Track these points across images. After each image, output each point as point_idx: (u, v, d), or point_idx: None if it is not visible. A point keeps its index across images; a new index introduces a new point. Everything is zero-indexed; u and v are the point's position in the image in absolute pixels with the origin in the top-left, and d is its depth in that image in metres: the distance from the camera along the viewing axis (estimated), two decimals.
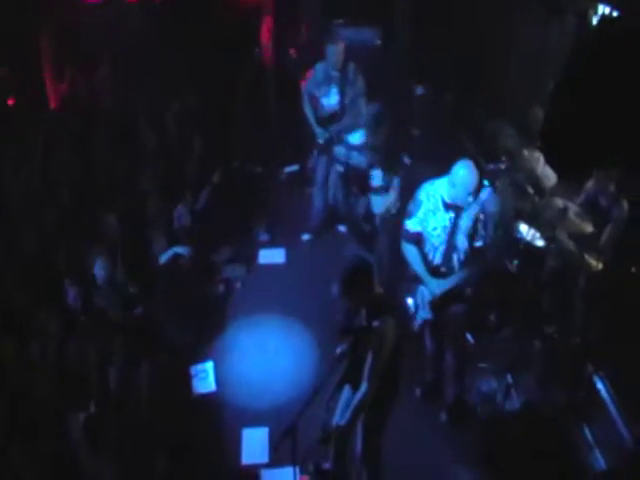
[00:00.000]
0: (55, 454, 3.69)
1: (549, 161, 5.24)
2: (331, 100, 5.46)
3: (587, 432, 3.92)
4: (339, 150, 5.56)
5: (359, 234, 5.39)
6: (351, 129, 5.46)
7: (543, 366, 4.28)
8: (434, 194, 3.95)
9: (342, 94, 5.38)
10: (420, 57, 6.91)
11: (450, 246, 3.96)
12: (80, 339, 4.11)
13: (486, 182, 5.30)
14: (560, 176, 5.21)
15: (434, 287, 4.01)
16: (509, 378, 4.25)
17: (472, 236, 3.95)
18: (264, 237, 5.86)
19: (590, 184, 4.69)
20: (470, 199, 3.86)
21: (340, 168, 5.65)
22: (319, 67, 5.46)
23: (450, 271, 4.01)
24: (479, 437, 4.02)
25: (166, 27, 6.58)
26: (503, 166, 5.53)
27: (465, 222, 3.91)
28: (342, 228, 5.98)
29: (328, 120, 5.49)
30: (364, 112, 5.44)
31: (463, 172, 3.83)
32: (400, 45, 7.33)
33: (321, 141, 5.55)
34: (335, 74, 5.36)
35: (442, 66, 6.64)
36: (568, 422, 3.95)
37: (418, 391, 4.38)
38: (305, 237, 5.91)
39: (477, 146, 6.00)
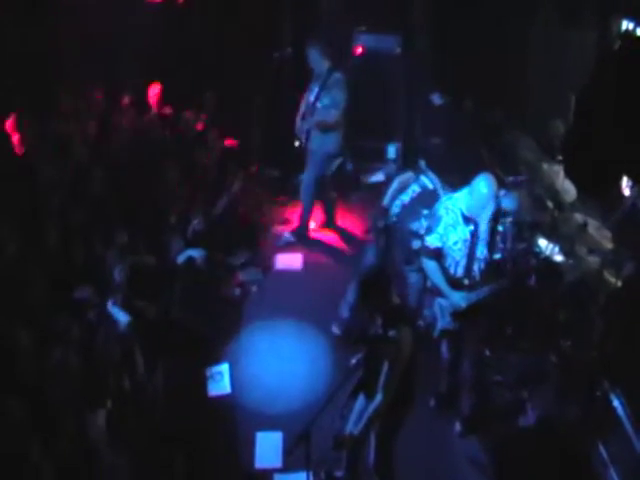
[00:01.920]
0: (73, 452, 3.71)
1: (569, 175, 5.31)
2: (310, 97, 5.65)
3: (602, 449, 3.90)
4: None
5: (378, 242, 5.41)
6: (306, 132, 5.64)
7: (559, 381, 4.26)
8: (453, 208, 3.96)
9: (316, 97, 5.56)
10: (440, 66, 6.91)
11: (471, 258, 3.97)
12: (99, 338, 4.14)
13: (504, 193, 5.37)
14: (580, 190, 5.25)
15: (458, 300, 4.00)
16: (525, 392, 4.24)
17: (491, 245, 3.95)
18: (285, 240, 5.87)
19: (629, 198, 4.62)
20: (489, 212, 3.87)
21: None
22: (314, 59, 5.57)
23: (472, 281, 4.01)
24: (493, 450, 4.01)
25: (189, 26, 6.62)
26: (522, 179, 5.52)
27: (483, 229, 3.91)
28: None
29: (303, 116, 5.68)
30: (330, 121, 5.56)
31: (483, 185, 3.84)
32: (420, 53, 7.34)
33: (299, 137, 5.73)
34: (321, 76, 5.54)
35: (462, 75, 6.65)
36: (583, 439, 3.92)
37: (433, 401, 4.38)
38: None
39: (495, 157, 6.00)
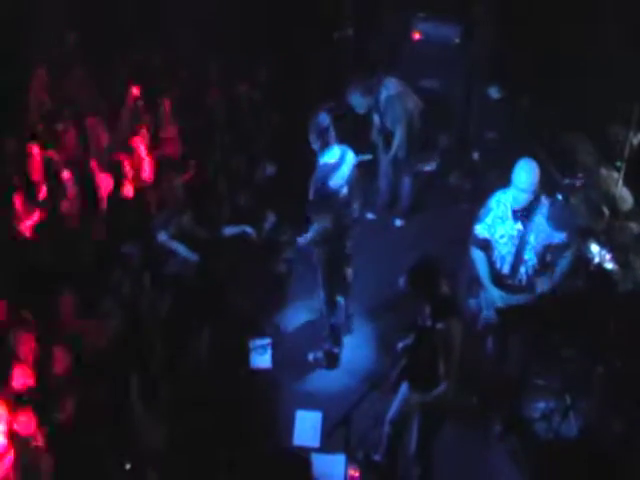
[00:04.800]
0: (111, 412, 3.77)
1: (628, 183, 5.21)
2: (374, 123, 5.74)
3: None
4: None
5: None
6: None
7: (603, 392, 4.20)
8: (505, 202, 3.91)
9: (381, 123, 5.65)
10: (499, 59, 6.78)
11: (519, 259, 3.91)
12: (146, 299, 4.18)
13: (559, 196, 5.28)
14: (638, 199, 5.15)
15: (496, 297, 3.97)
16: (568, 399, 4.19)
17: (543, 256, 3.88)
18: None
19: None
20: (531, 198, 3.76)
21: None
22: (357, 104, 5.46)
23: (518, 284, 3.95)
24: (531, 455, 3.98)
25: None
26: (579, 182, 5.42)
27: (534, 237, 3.84)
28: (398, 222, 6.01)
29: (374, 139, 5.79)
30: (397, 142, 5.62)
31: (523, 169, 3.77)
32: (479, 45, 7.19)
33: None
34: (372, 105, 5.56)
35: (521, 70, 6.52)
36: (625, 454, 3.86)
37: (475, 399, 4.36)
38: (369, 216, 5.99)
39: (552, 158, 5.90)
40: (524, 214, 3.83)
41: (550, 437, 4.07)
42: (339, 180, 4.23)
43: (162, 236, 4.70)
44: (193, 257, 4.66)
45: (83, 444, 3.54)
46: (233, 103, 6.10)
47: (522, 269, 3.91)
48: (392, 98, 5.53)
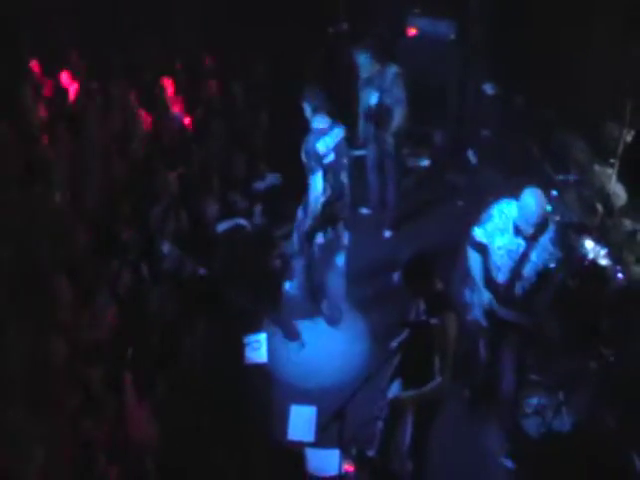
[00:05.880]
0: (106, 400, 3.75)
1: (622, 179, 5.23)
2: (371, 101, 5.54)
3: (637, 461, 3.86)
4: None
5: None
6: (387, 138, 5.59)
7: (597, 388, 4.22)
8: (507, 214, 3.89)
9: (380, 99, 5.48)
10: (494, 56, 6.79)
11: (516, 274, 3.87)
12: (143, 293, 4.17)
13: (555, 192, 5.31)
14: (632, 196, 5.18)
15: (486, 300, 4.00)
16: (561, 395, 4.21)
17: (543, 277, 3.84)
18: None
19: None
20: (532, 229, 3.77)
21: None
22: (363, 64, 5.46)
23: (511, 297, 3.92)
24: (524, 450, 4.00)
25: None
26: (572, 179, 5.45)
27: (537, 255, 3.80)
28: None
29: (369, 119, 5.60)
30: (396, 123, 5.50)
31: (529, 200, 3.76)
32: (475, 41, 7.20)
33: (362, 135, 5.71)
34: (375, 77, 5.43)
35: (516, 67, 6.53)
36: (618, 448, 3.89)
37: (467, 392, 4.37)
38: (364, 211, 6.02)
39: (546, 155, 5.92)
40: (529, 235, 3.81)
41: (542, 431, 4.08)
42: (326, 145, 4.56)
43: (165, 247, 4.65)
44: (187, 258, 4.64)
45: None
46: (228, 100, 6.09)
47: (519, 284, 3.88)
48: (399, 76, 5.44)
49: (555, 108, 6.31)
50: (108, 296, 4.01)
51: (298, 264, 4.90)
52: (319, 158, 4.49)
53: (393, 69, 5.43)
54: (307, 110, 4.58)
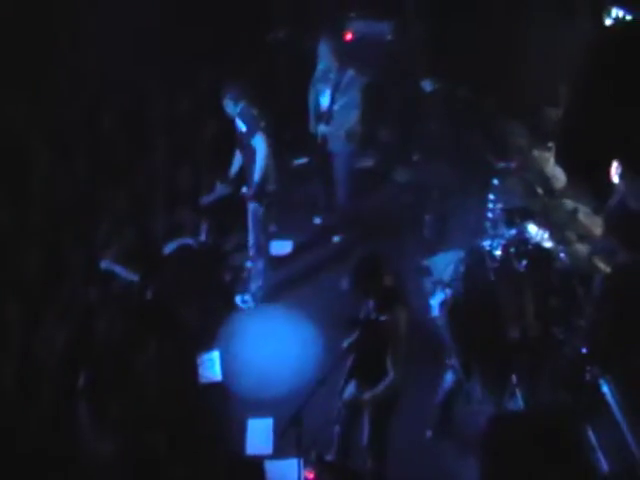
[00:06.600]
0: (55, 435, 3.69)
1: (559, 162, 5.34)
2: (323, 101, 5.49)
3: (591, 435, 3.92)
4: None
5: None
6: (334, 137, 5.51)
7: (549, 368, 4.27)
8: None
9: (332, 99, 5.40)
10: (432, 52, 6.88)
11: None
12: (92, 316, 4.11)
13: (495, 180, 5.38)
14: (569, 177, 5.28)
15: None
16: (513, 376, 4.25)
17: None
18: (273, 228, 5.84)
19: (622, 185, 4.59)
20: None
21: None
22: (321, 63, 5.45)
23: None
24: (480, 431, 3.98)
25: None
26: (513, 165, 5.52)
27: None
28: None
29: (320, 119, 5.53)
30: (349, 124, 5.45)
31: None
32: (412, 40, 7.29)
33: (316, 137, 5.60)
34: (332, 76, 5.37)
35: (455, 60, 6.62)
36: (572, 423, 3.93)
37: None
38: (317, 221, 5.98)
39: (487, 143, 6.01)
40: None
41: (497, 412, 4.12)
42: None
43: (104, 263, 4.62)
44: (135, 278, 4.58)
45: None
46: (172, 113, 6.03)
47: None
48: (357, 79, 5.41)
49: (495, 97, 6.42)
50: (57, 318, 3.94)
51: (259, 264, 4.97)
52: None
53: (351, 71, 5.40)
54: (229, 106, 4.85)
